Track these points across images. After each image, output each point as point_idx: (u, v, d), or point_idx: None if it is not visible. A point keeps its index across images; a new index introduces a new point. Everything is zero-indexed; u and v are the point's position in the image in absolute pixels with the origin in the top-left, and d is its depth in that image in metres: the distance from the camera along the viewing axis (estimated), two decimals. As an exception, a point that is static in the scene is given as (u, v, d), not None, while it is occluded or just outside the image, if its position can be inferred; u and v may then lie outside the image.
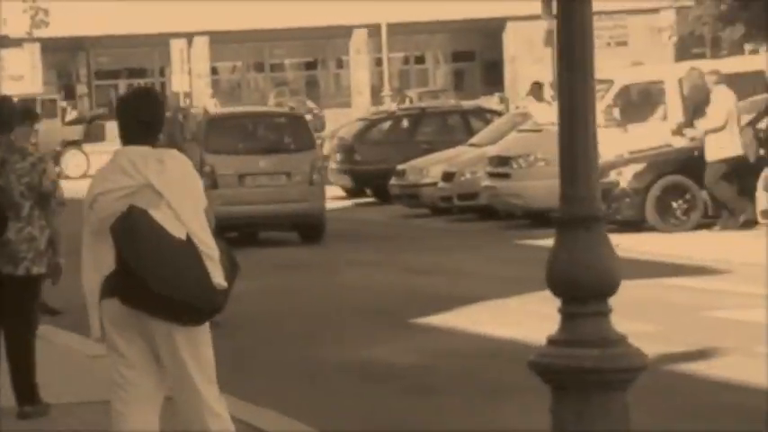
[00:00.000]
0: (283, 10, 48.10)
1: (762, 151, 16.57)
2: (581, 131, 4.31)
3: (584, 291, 4.43)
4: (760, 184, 15.96)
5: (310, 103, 50.16)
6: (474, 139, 22.79)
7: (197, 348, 5.62)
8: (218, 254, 5.62)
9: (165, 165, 5.60)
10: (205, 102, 38.63)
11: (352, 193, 26.49)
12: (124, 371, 5.65)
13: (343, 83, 56.36)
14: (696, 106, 17.84)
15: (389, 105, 39.63)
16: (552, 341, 4.54)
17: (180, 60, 40.87)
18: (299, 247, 19.23)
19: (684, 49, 44.23)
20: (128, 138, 5.70)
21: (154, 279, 5.46)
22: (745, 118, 17.60)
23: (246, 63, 55.83)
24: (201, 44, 51.13)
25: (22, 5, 47.76)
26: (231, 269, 5.65)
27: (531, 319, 11.63)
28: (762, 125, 17.35)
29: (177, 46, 41.49)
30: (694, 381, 9.77)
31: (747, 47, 36.44)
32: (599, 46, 32.88)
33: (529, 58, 50.07)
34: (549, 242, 15.36)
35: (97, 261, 5.64)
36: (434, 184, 21.84)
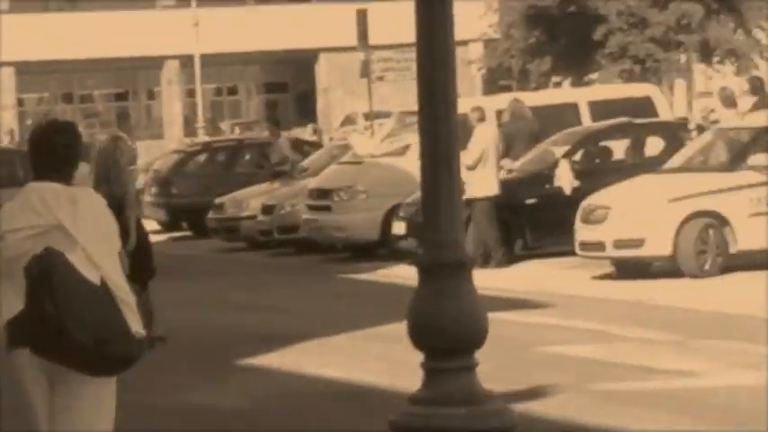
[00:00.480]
0: (92, 40, 47.36)
1: (576, 183, 16.79)
2: (445, 172, 4.03)
3: (449, 344, 4.16)
4: (578, 216, 16.12)
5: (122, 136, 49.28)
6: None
7: (98, 401, 5.47)
8: (134, 300, 5.46)
9: (77, 205, 5.45)
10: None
11: (167, 226, 26.05)
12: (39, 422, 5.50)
13: (155, 114, 55.97)
14: (514, 137, 18.11)
15: (202, 137, 39.42)
16: (415, 399, 4.24)
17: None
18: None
19: (492, 82, 45.32)
20: (39, 173, 5.51)
21: (73, 324, 5.21)
22: (561, 150, 17.91)
23: (54, 94, 54.79)
24: (7, 75, 49.93)
25: None
26: (147, 317, 5.45)
27: (359, 358, 11.52)
28: (576, 157, 17.70)
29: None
30: (533, 421, 9.59)
31: (554, 79, 37.51)
32: (410, 78, 33.42)
33: (342, 89, 50.64)
34: (371, 276, 15.47)
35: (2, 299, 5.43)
36: (253, 217, 21.61)
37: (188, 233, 25.57)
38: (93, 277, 5.33)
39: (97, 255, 5.38)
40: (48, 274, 5.22)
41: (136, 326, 5.37)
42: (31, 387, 5.47)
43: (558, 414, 10.02)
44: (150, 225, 25.93)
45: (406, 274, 13.06)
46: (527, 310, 15.36)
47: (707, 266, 15.52)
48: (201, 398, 10.79)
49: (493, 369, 10.93)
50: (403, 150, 19.89)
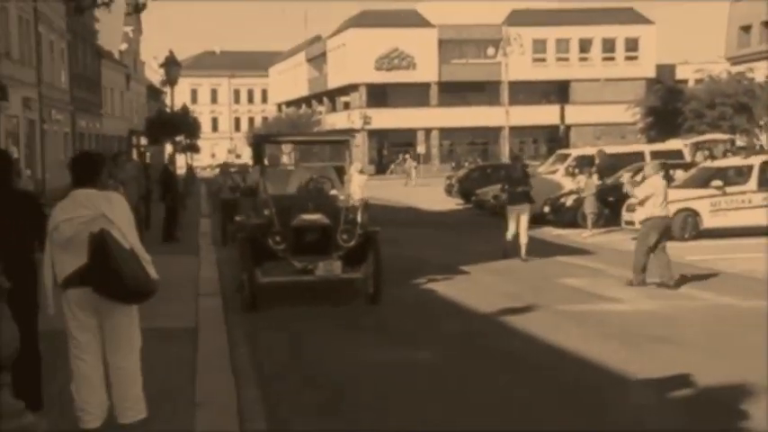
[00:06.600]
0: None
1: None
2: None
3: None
4: (624, 207, 23.63)
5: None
6: None
7: (131, 319, 6.85)
8: (150, 258, 6.72)
9: (111, 202, 6.81)
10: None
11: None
12: (80, 334, 6.81)
13: None
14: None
15: None
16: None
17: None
18: None
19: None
20: (83, 183, 6.87)
21: (125, 274, 6.46)
22: (629, 174, 26.91)
23: None
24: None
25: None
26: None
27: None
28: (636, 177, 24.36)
29: None
30: (502, 327, 12.10)
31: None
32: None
33: None
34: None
35: (56, 264, 6.69)
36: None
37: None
38: (126, 245, 6.55)
39: (126, 232, 6.63)
40: (106, 243, 6.42)
41: (154, 274, 6.64)
42: (78, 311, 6.72)
43: (522, 323, 12.15)
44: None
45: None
46: (580, 255, 20.31)
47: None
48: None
49: (516, 290, 15.16)
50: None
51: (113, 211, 6.69)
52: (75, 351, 6.79)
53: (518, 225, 19.84)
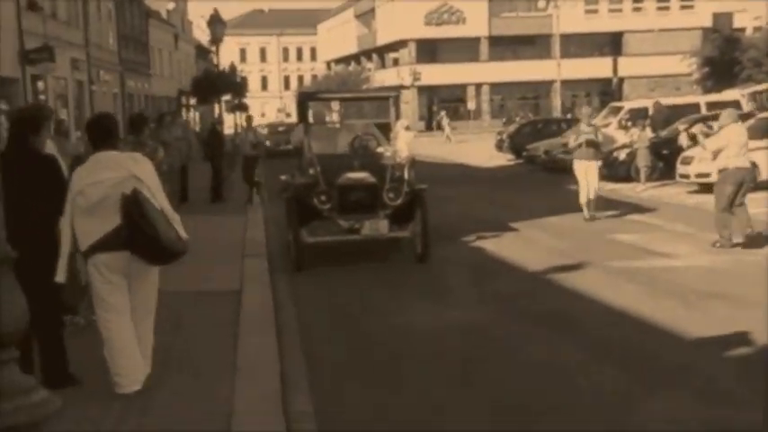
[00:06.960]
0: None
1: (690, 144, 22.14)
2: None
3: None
4: (678, 160, 23.25)
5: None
6: None
7: (155, 281, 6.99)
8: (178, 218, 6.74)
9: (138, 162, 6.77)
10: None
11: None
12: (112, 297, 6.73)
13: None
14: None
15: None
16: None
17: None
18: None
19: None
20: (102, 146, 6.78)
21: (160, 235, 6.42)
22: (684, 126, 25.33)
23: None
24: None
25: None
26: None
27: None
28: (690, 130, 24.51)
29: None
30: (550, 284, 11.99)
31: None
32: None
33: None
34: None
35: (79, 229, 6.56)
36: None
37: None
38: (157, 205, 6.56)
39: (155, 192, 6.64)
40: (140, 204, 6.40)
41: (183, 233, 6.67)
42: (109, 274, 6.63)
43: (572, 282, 12.02)
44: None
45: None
46: (633, 210, 20.05)
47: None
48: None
49: (567, 247, 15.04)
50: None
51: (141, 172, 6.62)
52: (106, 315, 6.73)
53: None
